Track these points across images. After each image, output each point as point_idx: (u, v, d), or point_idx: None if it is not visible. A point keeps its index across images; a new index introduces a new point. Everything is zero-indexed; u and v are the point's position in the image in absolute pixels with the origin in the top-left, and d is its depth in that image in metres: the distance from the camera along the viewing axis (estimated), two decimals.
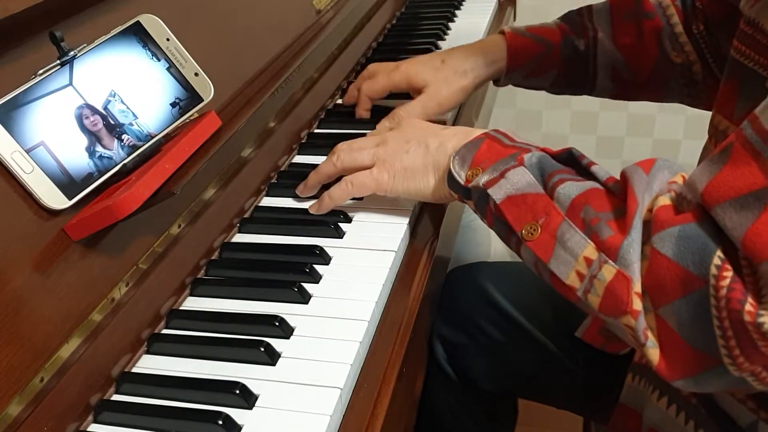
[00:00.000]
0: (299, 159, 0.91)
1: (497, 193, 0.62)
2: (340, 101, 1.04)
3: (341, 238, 0.74)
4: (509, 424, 1.04)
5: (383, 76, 0.96)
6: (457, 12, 1.38)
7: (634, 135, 1.87)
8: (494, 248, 1.81)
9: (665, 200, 0.54)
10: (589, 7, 0.98)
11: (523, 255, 0.62)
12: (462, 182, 0.67)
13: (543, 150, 0.65)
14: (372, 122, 0.96)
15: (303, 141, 0.94)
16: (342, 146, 0.78)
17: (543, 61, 0.97)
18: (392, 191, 0.74)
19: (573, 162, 0.63)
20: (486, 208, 0.64)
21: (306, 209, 0.80)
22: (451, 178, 0.69)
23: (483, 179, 0.64)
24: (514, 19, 1.51)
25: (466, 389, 0.90)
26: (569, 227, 0.57)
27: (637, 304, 0.53)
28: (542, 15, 1.78)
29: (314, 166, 0.89)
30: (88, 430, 0.55)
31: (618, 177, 0.60)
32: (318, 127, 0.98)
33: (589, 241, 0.56)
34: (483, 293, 0.87)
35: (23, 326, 0.52)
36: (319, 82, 0.99)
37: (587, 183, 0.60)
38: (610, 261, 0.54)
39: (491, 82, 1.02)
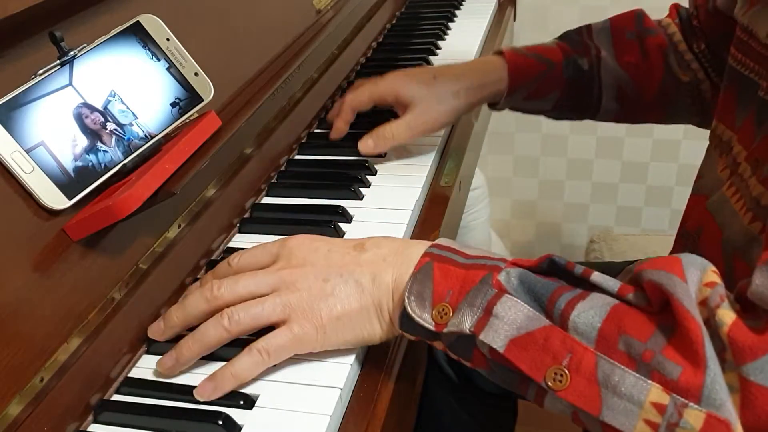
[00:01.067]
0: (299, 159, 0.91)
1: (496, 340, 0.50)
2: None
3: (341, 237, 0.74)
4: (509, 424, 1.04)
5: (368, 85, 0.90)
6: (457, 12, 1.38)
7: (634, 135, 1.87)
8: (493, 248, 1.81)
9: (730, 315, 0.46)
10: (588, 26, 0.96)
11: (549, 404, 0.52)
12: (432, 328, 0.54)
13: (513, 263, 0.54)
14: (372, 122, 0.96)
15: (303, 141, 0.94)
16: (224, 294, 0.58)
17: (545, 81, 0.92)
18: (323, 347, 0.58)
19: (560, 272, 0.54)
20: (472, 352, 0.54)
21: (305, 207, 0.80)
22: (409, 322, 0.55)
23: (466, 323, 0.52)
24: (514, 19, 1.51)
25: (466, 389, 0.90)
26: (613, 367, 0.47)
27: None
28: (542, 15, 1.79)
29: (314, 165, 0.89)
30: (88, 430, 0.55)
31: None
32: (318, 127, 0.98)
33: (651, 382, 0.46)
34: None
35: (23, 326, 0.52)
36: (319, 82, 0.99)
37: (598, 300, 0.50)
38: (691, 404, 0.45)
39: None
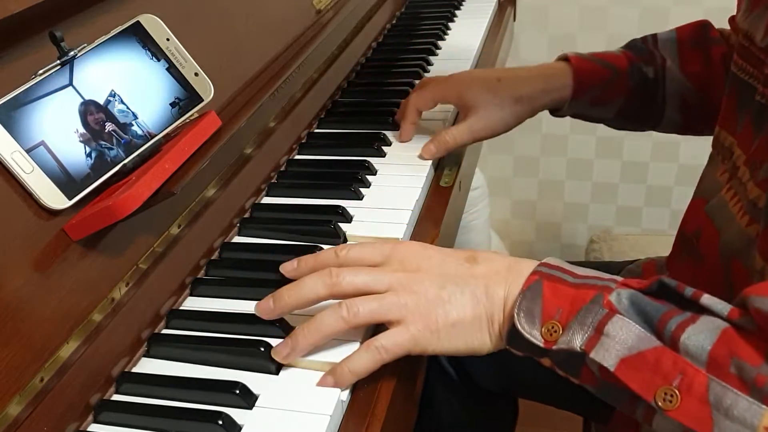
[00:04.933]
0: (299, 159, 0.91)
1: (606, 359, 0.51)
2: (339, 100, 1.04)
3: (341, 238, 0.74)
4: (509, 424, 1.04)
5: (432, 86, 0.91)
6: (457, 12, 1.38)
7: (634, 135, 1.87)
8: (494, 247, 1.81)
9: None
10: (654, 35, 0.95)
11: (658, 424, 0.52)
12: (540, 344, 0.55)
13: (624, 284, 0.55)
14: (372, 122, 0.96)
15: (303, 141, 0.94)
16: (343, 283, 0.59)
17: (610, 87, 0.92)
18: (435, 351, 0.59)
19: (670, 294, 0.54)
20: (581, 369, 0.54)
21: (305, 207, 0.80)
22: (517, 337, 0.56)
23: (577, 341, 0.53)
24: (514, 19, 1.51)
25: (467, 389, 0.90)
26: (725, 390, 0.47)
27: None
28: (542, 15, 1.79)
29: (314, 165, 0.89)
30: (88, 430, 0.55)
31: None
32: (318, 127, 0.98)
33: (765, 407, 0.46)
34: None
35: (23, 326, 0.52)
36: (319, 82, 0.99)
37: (709, 323, 0.50)
38: None
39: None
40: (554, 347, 0.54)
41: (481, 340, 0.59)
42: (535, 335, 0.55)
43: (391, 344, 0.58)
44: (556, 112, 0.94)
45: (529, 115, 0.91)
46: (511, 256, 0.62)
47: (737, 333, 0.49)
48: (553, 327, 0.55)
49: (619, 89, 0.92)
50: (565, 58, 0.93)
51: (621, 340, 0.51)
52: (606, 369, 0.51)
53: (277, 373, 0.58)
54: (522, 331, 0.55)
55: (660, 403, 0.49)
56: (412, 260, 0.61)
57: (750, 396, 0.47)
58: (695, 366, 0.49)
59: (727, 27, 0.92)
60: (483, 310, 0.58)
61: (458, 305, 0.58)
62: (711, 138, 0.77)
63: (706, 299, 0.51)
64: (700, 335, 0.49)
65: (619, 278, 0.56)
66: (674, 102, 0.93)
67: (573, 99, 0.91)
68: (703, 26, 0.93)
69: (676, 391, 0.49)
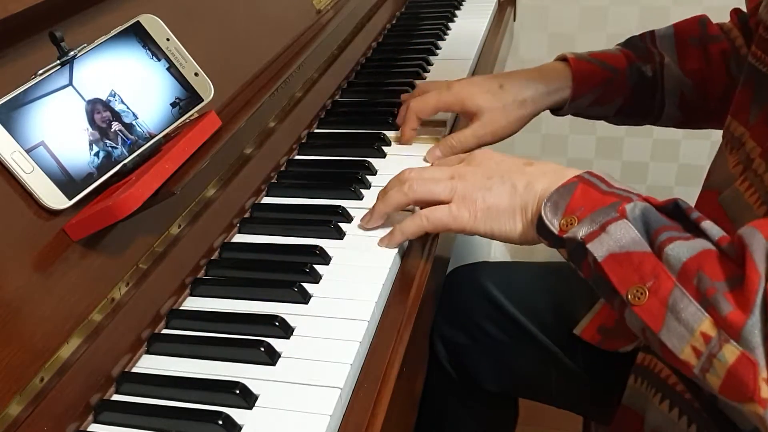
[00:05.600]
0: (299, 159, 0.91)
1: (598, 250, 0.58)
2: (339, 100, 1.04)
3: (341, 238, 0.74)
4: (509, 423, 1.04)
5: (434, 94, 0.91)
6: (457, 12, 1.38)
7: (634, 135, 1.87)
8: (494, 248, 1.81)
9: None
10: (652, 32, 0.95)
11: (627, 318, 0.58)
12: (555, 231, 0.62)
13: (645, 199, 0.60)
14: (372, 122, 0.96)
15: (303, 141, 0.94)
16: (412, 174, 0.73)
17: (609, 88, 0.93)
18: (472, 230, 0.69)
19: (680, 215, 0.58)
20: (583, 262, 0.60)
21: (305, 207, 0.80)
22: (541, 225, 0.64)
23: (581, 232, 0.60)
24: (514, 19, 1.51)
25: (467, 389, 0.90)
26: (682, 295, 0.53)
27: (765, 392, 0.49)
28: (542, 15, 1.79)
29: (314, 165, 0.89)
30: (88, 430, 0.55)
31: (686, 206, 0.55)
32: (318, 127, 0.98)
33: (706, 314, 0.51)
34: (484, 293, 0.87)
35: (23, 326, 0.52)
36: (319, 82, 0.99)
37: (697, 243, 0.55)
38: (732, 341, 0.50)
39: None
40: (565, 236, 0.61)
41: (512, 226, 0.68)
42: (554, 224, 0.63)
43: (433, 216, 0.70)
44: (557, 111, 0.95)
45: (531, 118, 0.92)
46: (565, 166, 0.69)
47: (714, 255, 0.54)
48: (570, 220, 0.62)
49: (619, 89, 0.93)
50: (563, 59, 0.94)
51: (617, 238, 0.57)
52: (597, 260, 0.58)
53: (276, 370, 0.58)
54: (544, 217, 0.63)
55: (630, 298, 0.55)
56: (478, 158, 0.73)
57: (699, 303, 0.52)
58: (668, 273, 0.54)
59: (727, 22, 0.92)
60: (519, 200, 0.67)
61: (497, 192, 0.68)
62: (711, 138, 0.77)
63: (707, 224, 0.56)
64: (683, 248, 0.54)
65: (644, 195, 0.61)
66: (673, 98, 0.93)
67: (572, 100, 0.92)
68: (701, 22, 0.93)
69: (646, 291, 0.55)
